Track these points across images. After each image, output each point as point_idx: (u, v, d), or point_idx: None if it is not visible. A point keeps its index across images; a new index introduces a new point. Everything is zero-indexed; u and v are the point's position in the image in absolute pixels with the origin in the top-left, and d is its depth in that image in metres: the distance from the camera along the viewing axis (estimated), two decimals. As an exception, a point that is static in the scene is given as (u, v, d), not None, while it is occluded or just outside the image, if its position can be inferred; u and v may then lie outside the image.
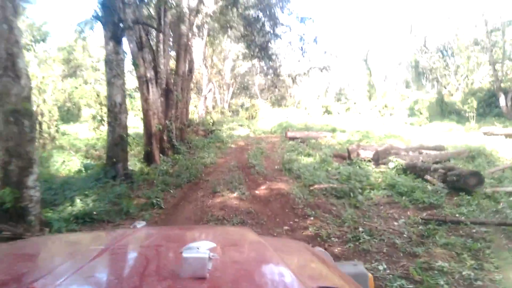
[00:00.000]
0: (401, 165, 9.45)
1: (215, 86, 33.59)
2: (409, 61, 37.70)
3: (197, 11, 15.26)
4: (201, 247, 1.01)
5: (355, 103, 34.85)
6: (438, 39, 39.16)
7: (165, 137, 12.32)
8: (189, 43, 15.14)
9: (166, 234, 1.83)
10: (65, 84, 29.57)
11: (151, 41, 11.35)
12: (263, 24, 14.08)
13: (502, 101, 25.21)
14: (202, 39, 21.62)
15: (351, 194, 7.47)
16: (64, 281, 0.97)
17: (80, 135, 18.02)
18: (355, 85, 39.87)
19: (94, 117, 21.39)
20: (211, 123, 21.63)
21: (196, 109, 24.88)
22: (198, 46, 24.22)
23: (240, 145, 17.24)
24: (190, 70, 16.28)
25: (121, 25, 7.98)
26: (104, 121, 20.94)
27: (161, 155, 11.15)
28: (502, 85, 26.66)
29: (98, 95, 22.57)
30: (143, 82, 10.83)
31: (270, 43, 12.58)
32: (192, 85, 21.42)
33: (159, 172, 9.59)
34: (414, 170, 8.89)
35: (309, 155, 13.17)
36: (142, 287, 1.00)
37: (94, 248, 1.36)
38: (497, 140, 15.60)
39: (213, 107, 31.46)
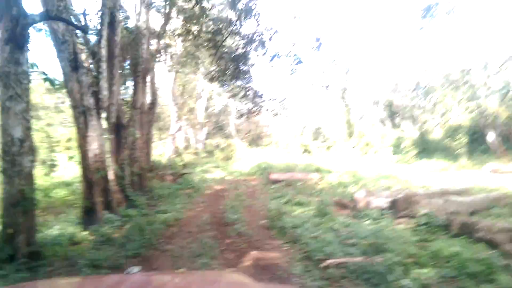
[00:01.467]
0: (438, 220, 6.60)
1: (188, 125, 30.71)
2: (383, 100, 36.02)
3: (160, 35, 12.60)
4: None
5: (335, 142, 32.45)
6: (411, 78, 38.02)
7: (113, 187, 9.17)
8: (149, 72, 12.32)
9: (161, 282, 1.70)
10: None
11: (92, 60, 8.42)
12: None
13: (490, 137, 23.30)
14: (170, 71, 18.90)
15: (390, 277, 4.51)
16: None
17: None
18: (333, 123, 37.84)
19: (43, 162, 18.02)
20: (181, 166, 18.51)
21: (163, 150, 21.78)
22: (166, 80, 21.59)
23: (216, 191, 14.12)
24: (153, 104, 13.36)
25: (23, 20, 5.01)
26: (55, 165, 17.67)
27: (107, 211, 7.93)
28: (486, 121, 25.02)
29: (47, 136, 19.31)
30: (79, 113, 7.80)
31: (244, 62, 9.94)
32: (158, 123, 18.50)
33: (95, 242, 6.41)
34: (465, 230, 6.03)
35: (300, 204, 10.21)
36: None
37: None
38: (510, 178, 13.24)
39: (186, 147, 28.31)
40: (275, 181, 15.33)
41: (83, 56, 12.11)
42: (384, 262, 4.85)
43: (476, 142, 25.72)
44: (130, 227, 7.48)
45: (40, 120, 26.95)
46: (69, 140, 27.50)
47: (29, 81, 5.40)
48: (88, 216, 7.82)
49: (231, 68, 10.13)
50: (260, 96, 9.75)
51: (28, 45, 5.23)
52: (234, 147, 31.43)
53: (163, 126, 29.57)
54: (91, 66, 10.08)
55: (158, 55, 13.48)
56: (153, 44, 13.09)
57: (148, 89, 13.63)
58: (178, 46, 14.50)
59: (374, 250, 5.40)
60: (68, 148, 27.23)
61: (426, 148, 27.65)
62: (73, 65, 7.65)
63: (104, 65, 8.25)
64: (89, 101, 7.82)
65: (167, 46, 14.13)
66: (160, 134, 29.75)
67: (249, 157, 29.88)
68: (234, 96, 10.81)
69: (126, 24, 11.91)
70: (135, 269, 1.77)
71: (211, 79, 10.37)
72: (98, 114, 8.01)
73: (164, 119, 29.38)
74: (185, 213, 9.58)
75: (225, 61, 10.07)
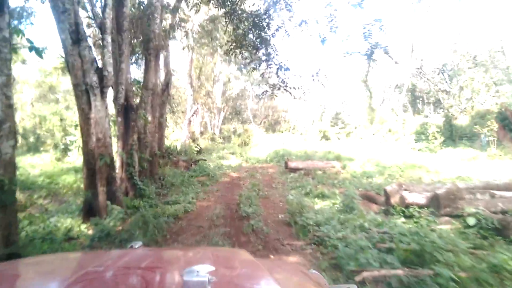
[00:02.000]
0: (491, 222, 5.54)
1: (205, 110, 29.89)
2: (406, 84, 34.28)
3: (175, 9, 11.62)
4: (201, 271, 0.99)
5: (356, 128, 31.14)
6: (436, 61, 36.14)
7: (120, 174, 8.40)
8: (162, 50, 11.40)
9: (164, 256, 1.74)
10: (36, 108, 25.75)
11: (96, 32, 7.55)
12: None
13: (522, 123, 21.69)
14: (188, 50, 17.94)
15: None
16: None
17: (36, 169, 13.88)
18: (354, 108, 36.43)
19: (55, 146, 17.49)
20: (196, 152, 17.72)
21: (179, 135, 20.98)
22: (182, 61, 20.67)
23: (231, 179, 13.28)
24: (167, 85, 12.48)
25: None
26: (69, 150, 17.10)
27: (109, 202, 7.13)
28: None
29: (61, 119, 18.73)
30: (82, 93, 6.95)
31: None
32: (174, 106, 17.66)
33: (93, 237, 5.61)
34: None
35: (323, 195, 9.25)
36: None
37: (94, 269, 1.31)
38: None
39: (202, 133, 27.52)
40: (294, 169, 14.40)
41: (89, 30, 11.34)
42: (433, 278, 3.89)
43: (506, 129, 24.05)
44: (134, 220, 6.64)
45: (58, 104, 26.61)
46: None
47: (11, 51, 4.55)
48: (90, 207, 7.05)
49: (251, 34, 9.05)
50: (287, 69, 8.66)
51: (7, 7, 4.36)
52: (251, 133, 30.52)
53: (179, 110, 28.86)
54: (99, 42, 9.27)
55: (172, 32, 12.50)
56: (167, 19, 12.16)
57: (162, 69, 12.77)
58: (194, 21, 13.47)
59: (417, 259, 4.43)
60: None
61: (451, 135, 26.13)
62: (74, 37, 6.77)
63: (109, 38, 7.37)
64: (93, 78, 6.94)
65: (182, 21, 13.10)
66: (176, 119, 29.07)
67: (266, 143, 28.98)
68: (254, 69, 9.58)
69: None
70: (138, 243, 1.77)
71: (228, 52, 9.27)
72: (103, 93, 7.13)
73: (180, 103, 28.62)
74: (196, 204, 8.74)
75: (243, 25, 8.98)
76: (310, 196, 9.26)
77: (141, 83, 10.87)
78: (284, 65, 8.60)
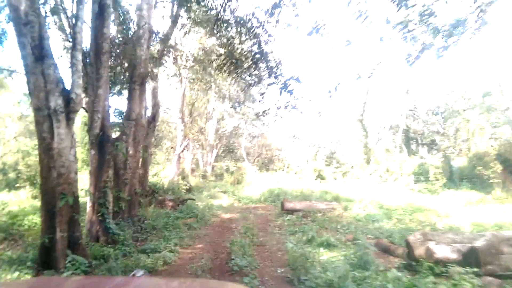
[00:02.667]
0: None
1: (197, 146, 28.70)
2: (401, 124, 33.61)
3: (166, 38, 10.68)
4: None
5: (352, 167, 29.99)
6: (430, 102, 35.77)
7: (90, 216, 7.05)
8: (149, 78, 10.32)
9: (168, 286, 1.65)
10: (21, 143, 24.38)
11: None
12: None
13: (525, 166, 20.69)
14: (181, 83, 16.96)
15: None
16: None
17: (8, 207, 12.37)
18: (349, 148, 35.44)
19: (32, 182, 16.02)
20: (185, 190, 16.31)
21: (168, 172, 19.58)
22: (174, 95, 19.76)
23: (221, 222, 11.84)
24: (153, 117, 11.30)
25: None
26: (35, 183, 15.62)
27: (70, 251, 5.70)
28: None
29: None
30: (43, 118, 5.73)
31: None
32: (162, 141, 16.43)
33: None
34: None
35: (328, 244, 7.86)
36: None
37: None
38: None
39: (193, 170, 26.14)
40: (291, 211, 13.04)
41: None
42: None
43: (507, 171, 22.99)
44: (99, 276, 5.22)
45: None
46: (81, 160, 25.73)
47: None
48: (46, 257, 5.64)
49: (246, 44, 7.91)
50: (297, 80, 7.21)
51: None
52: (244, 171, 29.17)
53: (169, 146, 27.61)
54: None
55: (161, 59, 11.47)
56: (156, 45, 11.20)
57: (148, 100, 11.65)
58: (186, 48, 12.60)
59: None
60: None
61: (451, 177, 25.03)
62: (37, 53, 5.65)
63: (79, 55, 6.22)
64: (57, 101, 5.74)
65: (173, 48, 12.13)
66: (168, 155, 27.76)
67: (260, 182, 27.59)
68: (250, 86, 8.16)
69: (122, 17, 10.03)
70: (140, 272, 1.72)
71: (220, 68, 8.02)
72: (69, 119, 5.90)
73: (172, 139, 27.43)
74: (180, 253, 7.31)
75: (235, 31, 7.85)
76: (313, 245, 7.87)
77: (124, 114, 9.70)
78: (291, 79, 7.24)
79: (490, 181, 20.37)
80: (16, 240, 7.99)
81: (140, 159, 10.25)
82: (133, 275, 1.71)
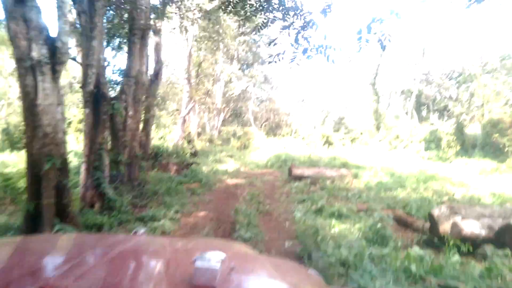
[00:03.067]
0: None
1: (203, 110, 27.95)
2: (415, 89, 32.35)
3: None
4: (212, 258, 0.98)
5: (361, 134, 29.17)
6: (445, 66, 34.23)
7: (84, 181, 6.50)
8: (150, 31, 9.47)
9: (162, 245, 1.61)
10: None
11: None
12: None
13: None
14: (187, 41, 16.02)
15: None
16: (74, 282, 0.93)
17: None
18: (359, 113, 34.45)
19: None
20: (189, 154, 15.77)
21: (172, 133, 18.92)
22: (180, 51, 18.81)
23: (226, 187, 11.33)
24: (156, 75, 10.53)
25: None
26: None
27: (57, 218, 5.17)
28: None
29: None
30: (26, 70, 5.04)
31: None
32: (167, 103, 15.72)
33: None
34: None
35: (340, 215, 7.27)
36: None
37: (102, 251, 1.31)
38: None
39: (199, 134, 25.54)
40: (298, 177, 12.49)
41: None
42: None
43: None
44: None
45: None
46: (81, 121, 25.23)
47: None
48: (32, 225, 5.12)
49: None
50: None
51: None
52: (252, 136, 28.54)
53: (176, 108, 26.88)
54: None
55: (165, 10, 10.53)
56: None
57: (152, 57, 10.86)
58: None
59: None
60: (79, 130, 24.98)
61: (463, 144, 24.16)
62: (16, -6, 4.90)
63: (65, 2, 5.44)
64: (41, 51, 5.03)
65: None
66: (175, 119, 27.10)
67: (267, 147, 27.06)
68: (260, 28, 6.40)
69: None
70: (142, 230, 1.68)
71: (226, 7, 6.90)
72: (55, 72, 5.20)
73: (178, 101, 26.68)
74: (180, 222, 6.80)
75: None
76: (323, 215, 7.29)
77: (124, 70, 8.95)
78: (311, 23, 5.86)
79: (506, 149, 19.55)
80: (7, 204, 7.53)
81: (141, 120, 9.59)
82: (135, 233, 1.68)
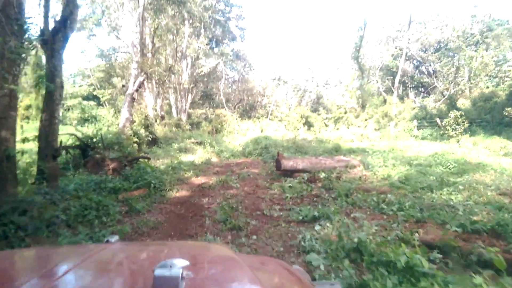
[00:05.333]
0: None
1: (167, 91, 23.63)
2: (399, 65, 29.05)
3: None
4: (174, 266, 0.86)
5: (345, 113, 25.73)
6: (427, 40, 31.01)
7: None
8: None
9: (139, 250, 1.54)
10: None
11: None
12: None
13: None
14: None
15: None
16: None
17: None
18: (339, 92, 30.96)
19: None
20: (138, 143, 11.72)
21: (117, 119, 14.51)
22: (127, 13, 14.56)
23: (188, 194, 7.42)
24: (64, 22, 6.30)
25: None
26: None
27: None
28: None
29: None
30: None
31: None
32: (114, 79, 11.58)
33: None
34: None
35: (387, 261, 3.56)
36: None
37: (64, 264, 1.23)
38: None
39: (163, 118, 21.25)
40: (289, 171, 8.85)
41: None
42: None
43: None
44: None
45: None
46: (27, 107, 20.41)
47: None
48: None
49: None
50: None
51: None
52: (224, 119, 24.54)
53: (121, 85, 22.35)
54: None
55: None
56: None
57: None
58: None
59: None
60: (26, 117, 20.18)
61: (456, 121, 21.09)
62: None
63: None
64: None
65: None
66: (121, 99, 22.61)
67: (241, 131, 23.24)
68: None
69: None
70: (114, 237, 1.52)
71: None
72: None
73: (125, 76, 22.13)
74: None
75: None
76: (367, 262, 3.57)
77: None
78: None
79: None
80: None
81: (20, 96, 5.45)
82: (107, 241, 1.49)
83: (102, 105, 26.47)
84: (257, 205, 6.22)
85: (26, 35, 4.71)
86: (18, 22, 4.49)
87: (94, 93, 27.33)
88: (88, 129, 11.90)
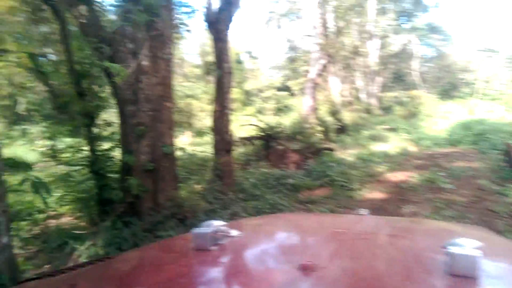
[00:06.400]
0: None
1: (353, 74, 21.99)
2: None
3: None
4: (466, 245, 0.77)
5: None
6: None
7: None
8: None
9: (408, 225, 1.44)
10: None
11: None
12: None
13: None
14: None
15: None
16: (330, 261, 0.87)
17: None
18: None
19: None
20: (325, 132, 10.59)
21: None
22: None
23: (381, 196, 5.82)
24: (229, 7, 5.48)
25: None
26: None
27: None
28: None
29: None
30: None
31: None
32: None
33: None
34: None
35: None
36: (408, 279, 0.82)
37: (342, 230, 1.20)
38: None
39: (350, 103, 19.75)
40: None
41: None
42: None
43: None
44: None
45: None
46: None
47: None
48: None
49: None
50: None
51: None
52: (420, 100, 21.16)
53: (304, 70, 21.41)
54: None
55: None
56: None
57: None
58: None
59: None
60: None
61: None
62: None
63: None
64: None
65: None
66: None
67: (443, 114, 19.46)
68: None
69: None
70: (365, 210, 1.49)
71: None
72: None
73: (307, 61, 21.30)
74: None
75: None
76: None
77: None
78: None
79: None
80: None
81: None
82: (357, 213, 1.49)
83: (293, 95, 27.12)
84: (488, 223, 4.12)
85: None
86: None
87: (287, 84, 28.33)
88: (275, 119, 11.56)
